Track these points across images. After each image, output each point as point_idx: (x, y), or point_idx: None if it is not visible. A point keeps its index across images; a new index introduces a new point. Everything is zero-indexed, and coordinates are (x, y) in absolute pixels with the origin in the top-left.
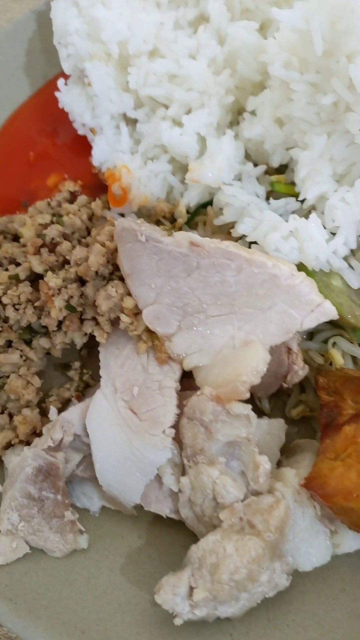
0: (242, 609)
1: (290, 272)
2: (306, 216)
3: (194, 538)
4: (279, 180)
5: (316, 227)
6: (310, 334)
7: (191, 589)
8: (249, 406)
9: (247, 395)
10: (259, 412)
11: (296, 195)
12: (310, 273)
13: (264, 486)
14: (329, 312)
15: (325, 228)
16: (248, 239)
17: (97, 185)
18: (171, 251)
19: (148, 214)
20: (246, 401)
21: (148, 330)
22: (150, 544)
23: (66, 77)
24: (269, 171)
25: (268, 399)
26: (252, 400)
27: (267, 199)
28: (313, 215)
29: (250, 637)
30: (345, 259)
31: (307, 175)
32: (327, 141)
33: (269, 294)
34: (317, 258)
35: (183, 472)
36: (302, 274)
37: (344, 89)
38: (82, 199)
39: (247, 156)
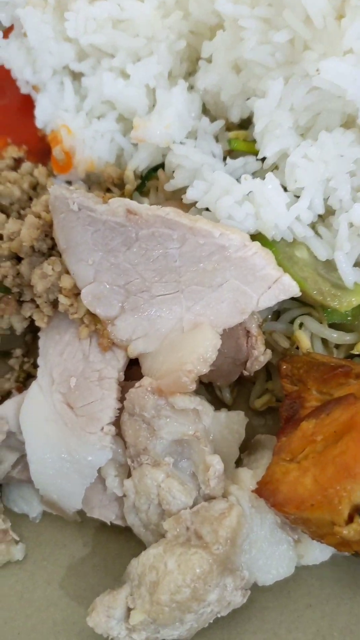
0: (191, 631)
1: (241, 243)
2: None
3: (145, 547)
4: (237, 137)
5: (274, 189)
6: (277, 314)
7: (128, 610)
8: (197, 399)
9: (193, 387)
10: (221, 404)
11: (257, 154)
12: (269, 243)
13: (217, 490)
14: (289, 288)
15: (287, 190)
16: (199, 205)
17: (45, 151)
18: (106, 221)
19: (98, 181)
20: (206, 391)
21: (91, 313)
22: (96, 553)
23: (9, 31)
24: (230, 127)
25: (230, 388)
26: (212, 390)
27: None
28: (270, 175)
29: None
30: (313, 226)
31: (265, 128)
32: (285, 87)
33: (218, 269)
34: (277, 226)
35: (129, 474)
36: (256, 244)
37: (299, 23)
38: (27, 166)
39: (207, 111)
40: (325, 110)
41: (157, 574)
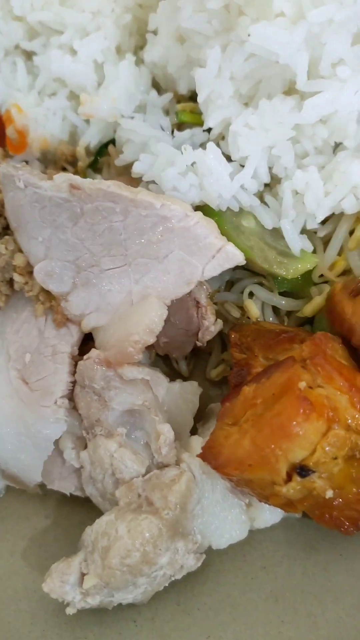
0: (146, 594)
1: (183, 213)
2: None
3: None
4: (184, 109)
5: (215, 158)
6: (230, 284)
7: (82, 575)
8: (145, 369)
9: (139, 358)
10: (178, 376)
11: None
12: (216, 213)
13: (169, 458)
14: (233, 256)
15: (232, 160)
16: (145, 178)
17: (2, 132)
18: (52, 197)
19: (54, 160)
20: (163, 364)
21: (45, 291)
22: (58, 524)
23: None
24: (181, 99)
25: (187, 360)
26: (169, 362)
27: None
28: (210, 145)
29: (156, 622)
30: (260, 196)
31: (208, 98)
32: (223, 55)
33: (163, 240)
34: (221, 195)
35: (85, 446)
36: (198, 213)
37: None
38: None
39: (158, 84)
40: (266, 78)
41: (109, 540)
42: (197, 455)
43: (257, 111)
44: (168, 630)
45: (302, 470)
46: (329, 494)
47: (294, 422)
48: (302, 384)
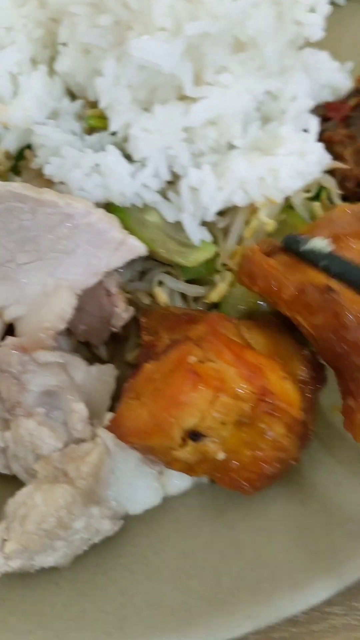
0: (66, 557)
1: (86, 210)
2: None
3: None
4: (93, 115)
5: (115, 159)
6: (142, 274)
7: (4, 542)
8: (58, 353)
9: (52, 343)
10: (100, 360)
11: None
12: (121, 209)
13: (85, 433)
14: (135, 248)
15: (135, 161)
16: (55, 180)
17: None
18: None
19: None
20: (86, 350)
21: None
22: None
23: None
24: (94, 106)
25: (106, 345)
26: (91, 348)
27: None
28: (110, 147)
29: (77, 583)
30: (164, 192)
31: (109, 104)
32: (119, 66)
33: (70, 236)
34: (123, 194)
35: (8, 427)
36: (100, 210)
37: (119, 7)
38: None
39: (72, 93)
40: (160, 85)
41: (27, 508)
42: (105, 427)
43: (152, 116)
44: (87, 590)
45: (194, 435)
46: (221, 455)
47: (183, 392)
48: (192, 359)
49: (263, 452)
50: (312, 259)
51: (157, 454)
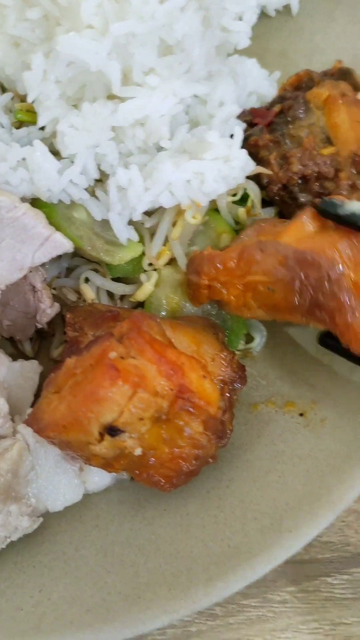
0: None
1: (11, 204)
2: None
3: None
4: (21, 108)
5: (42, 155)
6: (69, 271)
7: None
8: None
9: None
10: (25, 356)
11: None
12: (48, 205)
13: (5, 429)
14: (61, 245)
15: (63, 157)
16: None
17: None
18: None
19: None
20: (11, 346)
21: None
22: None
23: None
24: (22, 99)
25: (31, 341)
26: (16, 344)
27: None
28: (37, 142)
29: None
30: (92, 190)
31: (38, 99)
32: (47, 61)
33: None
34: (50, 190)
35: None
36: (25, 205)
37: (48, 2)
38: None
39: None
40: (89, 82)
41: None
42: (24, 422)
43: (81, 113)
44: (4, 588)
45: (111, 430)
46: (138, 451)
47: (102, 387)
48: (113, 354)
49: (181, 449)
50: (352, 221)
51: (75, 449)
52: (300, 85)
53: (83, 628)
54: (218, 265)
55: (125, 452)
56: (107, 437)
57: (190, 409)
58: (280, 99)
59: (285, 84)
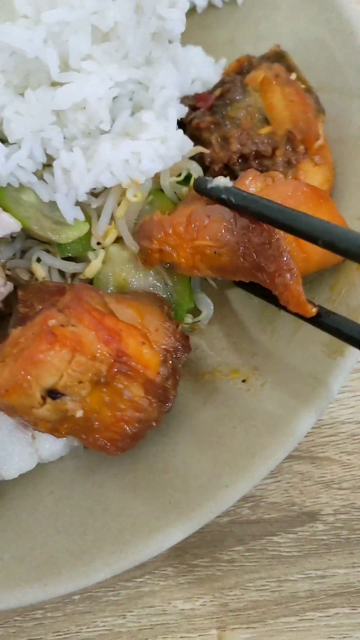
0: None
1: None
2: None
3: None
4: None
5: None
6: (22, 253)
7: None
8: None
9: None
10: None
11: None
12: None
13: None
14: (8, 224)
15: (10, 143)
16: None
17: None
18: None
19: None
20: None
21: None
22: None
23: None
24: None
25: None
26: None
27: None
28: None
29: None
30: (41, 174)
31: None
32: None
33: None
34: None
35: None
36: None
37: None
38: None
39: None
40: (31, 71)
41: None
42: None
43: (25, 99)
44: None
45: (52, 393)
46: (79, 413)
47: (40, 352)
48: (52, 322)
49: (122, 412)
50: (215, 194)
51: (21, 414)
52: (241, 70)
53: (30, 583)
54: (168, 230)
55: (67, 415)
56: (49, 400)
57: (129, 372)
58: (221, 83)
59: (228, 70)
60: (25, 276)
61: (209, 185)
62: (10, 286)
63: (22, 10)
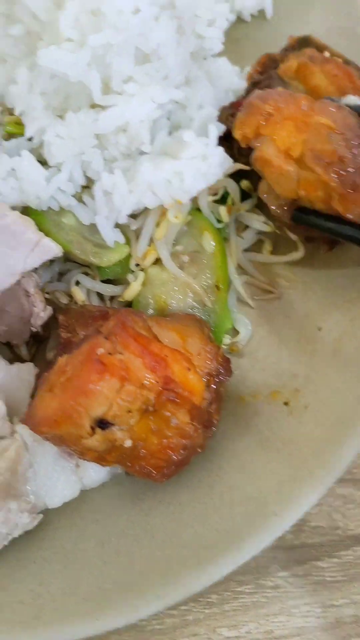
0: None
1: (1, 212)
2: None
3: None
4: (10, 121)
5: (30, 164)
6: (60, 276)
7: None
8: None
9: None
10: (20, 360)
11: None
12: (37, 212)
13: (3, 430)
14: (50, 249)
15: (51, 166)
16: None
17: None
18: None
19: None
20: (8, 350)
21: None
22: None
23: None
24: (11, 113)
25: (28, 346)
26: (12, 348)
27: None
28: (24, 152)
29: None
30: (80, 196)
31: (24, 111)
32: (31, 74)
33: None
34: (38, 197)
35: None
36: (15, 213)
37: (29, 18)
38: None
39: None
40: (72, 93)
41: None
42: (19, 420)
43: (65, 122)
44: (6, 584)
45: (102, 423)
46: (128, 443)
47: (90, 381)
48: (100, 350)
49: (169, 439)
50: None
51: (69, 444)
52: (265, 70)
53: (80, 617)
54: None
55: (116, 445)
56: (98, 431)
57: (176, 400)
58: (253, 85)
59: (251, 72)
60: (64, 300)
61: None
62: (50, 310)
63: (67, 34)
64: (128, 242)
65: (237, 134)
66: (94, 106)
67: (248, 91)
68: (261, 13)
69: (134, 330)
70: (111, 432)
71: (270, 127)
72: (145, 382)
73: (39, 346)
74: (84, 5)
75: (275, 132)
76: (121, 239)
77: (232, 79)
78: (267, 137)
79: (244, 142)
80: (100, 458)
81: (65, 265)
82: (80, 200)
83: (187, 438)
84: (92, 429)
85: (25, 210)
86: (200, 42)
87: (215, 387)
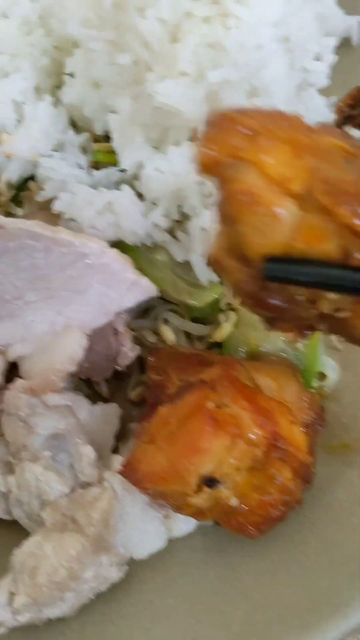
0: (74, 608)
1: (100, 250)
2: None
3: None
4: (100, 149)
5: (129, 199)
6: (145, 311)
7: (12, 595)
8: (68, 395)
9: (62, 385)
10: (100, 397)
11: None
12: (131, 248)
13: (92, 476)
14: (147, 289)
15: (146, 200)
16: (66, 216)
17: None
18: None
19: None
20: (86, 387)
21: None
22: None
23: None
24: (98, 139)
25: (107, 382)
26: (91, 385)
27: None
28: (125, 187)
29: (83, 633)
30: (172, 232)
31: (121, 141)
32: (135, 105)
33: (83, 275)
34: (135, 233)
35: (12, 471)
36: (113, 251)
37: (139, 47)
38: None
39: (76, 124)
40: (173, 126)
41: (36, 560)
42: (118, 472)
43: (166, 157)
44: None
45: (210, 481)
46: (234, 502)
47: (203, 438)
48: (211, 404)
49: (271, 496)
50: None
51: (170, 499)
52: (356, 103)
53: None
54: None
55: (220, 502)
56: (204, 489)
57: (283, 457)
58: (344, 119)
59: (341, 105)
60: (151, 338)
61: None
62: (137, 350)
63: (184, 68)
64: (221, 280)
65: (201, 155)
66: (194, 140)
67: (338, 125)
68: (346, 41)
69: (239, 382)
70: (218, 490)
71: (255, 149)
72: (254, 438)
73: (118, 383)
74: (204, 38)
75: (265, 155)
76: (215, 277)
77: (321, 111)
78: (250, 163)
79: (207, 167)
80: (199, 514)
81: (151, 301)
82: (172, 235)
83: (288, 494)
84: (199, 486)
85: (118, 246)
86: (304, 76)
87: (312, 438)
